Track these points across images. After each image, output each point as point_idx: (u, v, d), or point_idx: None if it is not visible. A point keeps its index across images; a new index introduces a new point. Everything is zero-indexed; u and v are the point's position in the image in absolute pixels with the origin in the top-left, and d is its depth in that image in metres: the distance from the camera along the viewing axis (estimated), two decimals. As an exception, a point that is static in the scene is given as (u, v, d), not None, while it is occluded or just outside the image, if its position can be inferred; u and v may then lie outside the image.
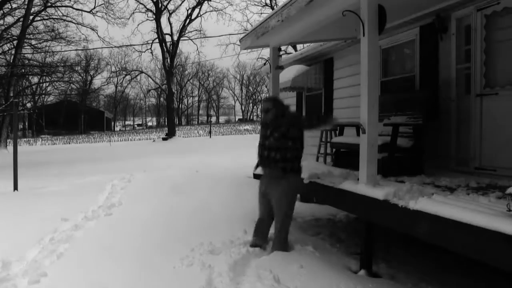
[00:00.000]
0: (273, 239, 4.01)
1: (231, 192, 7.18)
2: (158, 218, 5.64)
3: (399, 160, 4.37)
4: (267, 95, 4.28)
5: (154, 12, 31.41)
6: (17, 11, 24.08)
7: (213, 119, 74.84)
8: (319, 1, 3.94)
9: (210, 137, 32.03)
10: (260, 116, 4.19)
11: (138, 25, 49.79)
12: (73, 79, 33.48)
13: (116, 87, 62.08)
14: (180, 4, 64.14)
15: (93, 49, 52.52)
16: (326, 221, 5.50)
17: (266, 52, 34.22)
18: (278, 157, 3.88)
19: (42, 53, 27.52)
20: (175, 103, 48.32)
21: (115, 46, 33.91)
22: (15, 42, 23.45)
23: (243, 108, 75.82)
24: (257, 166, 4.26)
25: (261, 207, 4.19)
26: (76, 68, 35.31)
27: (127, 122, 78.10)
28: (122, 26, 48.43)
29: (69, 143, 35.15)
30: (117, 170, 11.70)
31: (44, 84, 37.13)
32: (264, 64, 8.42)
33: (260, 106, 4.47)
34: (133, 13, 32.42)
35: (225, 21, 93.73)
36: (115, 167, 13.01)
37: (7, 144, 23.33)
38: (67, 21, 26.57)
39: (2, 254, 3.93)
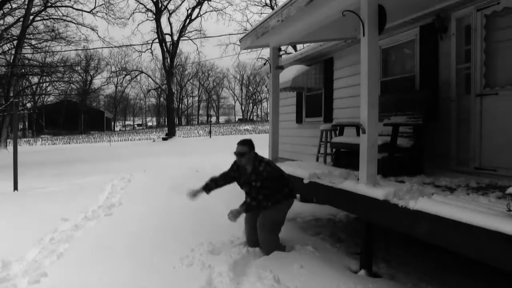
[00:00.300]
0: (262, 250, 4.05)
1: (231, 192, 7.17)
2: (158, 218, 5.64)
3: (399, 160, 4.37)
4: (243, 138, 4.31)
5: (154, 12, 31.42)
6: (17, 11, 24.11)
7: (213, 119, 74.91)
8: (319, 1, 3.94)
9: (210, 137, 32.03)
10: (238, 155, 4.19)
11: (138, 25, 49.92)
12: (73, 79, 33.44)
13: (116, 87, 62.19)
14: (180, 4, 64.40)
15: (93, 49, 52.63)
16: (326, 221, 5.50)
17: (266, 52, 34.22)
18: (265, 204, 3.98)
19: (42, 53, 27.55)
20: (175, 103, 48.32)
21: (115, 46, 33.98)
22: (15, 42, 23.45)
23: (243, 108, 75.82)
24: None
25: (249, 228, 4.22)
26: (76, 68, 35.31)
27: (127, 122, 78.16)
28: (122, 26, 48.55)
29: (69, 143, 35.16)
30: (117, 170, 11.71)
31: (44, 84, 37.18)
32: (264, 64, 8.43)
33: (236, 148, 4.18)
34: (133, 13, 32.50)
35: (225, 21, 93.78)
36: (115, 167, 13.01)
37: (7, 144, 23.33)
38: (67, 21, 26.61)
39: (2, 254, 3.93)
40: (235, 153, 4.08)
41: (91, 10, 27.28)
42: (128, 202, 6.73)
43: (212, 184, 4.34)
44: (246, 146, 4.07)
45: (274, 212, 4.06)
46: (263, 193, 3.95)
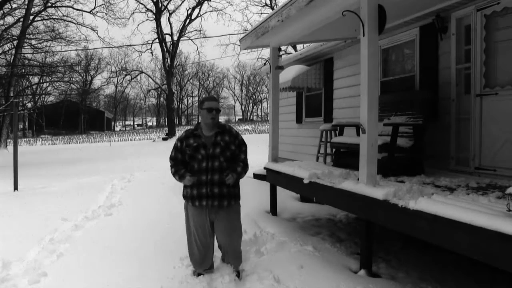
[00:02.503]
0: (234, 258, 3.53)
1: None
2: (158, 218, 5.64)
3: (399, 160, 4.37)
4: (210, 94, 3.07)
5: (154, 12, 31.44)
6: (17, 11, 24.11)
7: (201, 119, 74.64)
8: (319, 1, 3.94)
9: (210, 137, 31.90)
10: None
11: (138, 25, 49.79)
12: (73, 79, 33.52)
13: (116, 87, 62.23)
14: (180, 4, 64.41)
15: (93, 49, 52.75)
16: (326, 221, 5.50)
17: (266, 52, 34.24)
18: (233, 191, 3.38)
19: (42, 53, 27.53)
20: (175, 103, 48.31)
21: (115, 46, 34.09)
22: (15, 42, 23.44)
23: (243, 108, 75.82)
24: (195, 198, 3.32)
25: (204, 242, 3.43)
26: (76, 68, 35.37)
27: (127, 122, 78.16)
28: (122, 26, 48.66)
29: (69, 143, 35.15)
30: (117, 170, 11.72)
31: (44, 84, 37.18)
32: (264, 64, 8.43)
33: (202, 104, 3.37)
34: (133, 13, 32.58)
35: (225, 21, 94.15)
36: (115, 167, 13.02)
37: (7, 144, 23.34)
38: (67, 21, 26.64)
39: (2, 254, 3.93)
40: (210, 108, 3.29)
41: (91, 10, 27.32)
42: (128, 202, 6.73)
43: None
44: (218, 102, 3.42)
45: (239, 211, 3.56)
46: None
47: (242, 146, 3.46)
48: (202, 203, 3.30)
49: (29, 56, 25.23)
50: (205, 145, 3.32)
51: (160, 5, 31.35)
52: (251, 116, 75.53)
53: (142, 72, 42.39)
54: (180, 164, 3.41)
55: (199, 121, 3.51)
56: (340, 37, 6.29)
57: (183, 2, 65.22)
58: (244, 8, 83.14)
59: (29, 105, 38.97)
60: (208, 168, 3.29)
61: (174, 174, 3.41)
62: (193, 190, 3.33)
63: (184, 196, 3.45)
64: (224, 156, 3.31)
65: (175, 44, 32.14)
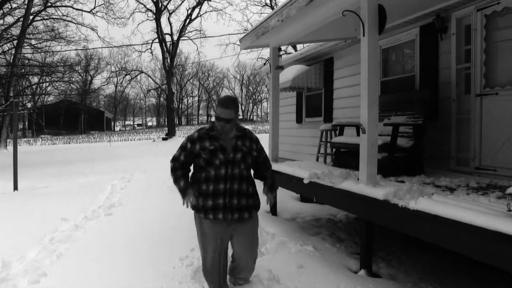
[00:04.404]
0: (247, 273, 3.16)
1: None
2: (158, 218, 5.64)
3: (399, 160, 4.37)
4: (227, 97, 2.68)
5: (154, 12, 31.40)
6: (17, 11, 24.10)
7: (213, 119, 74.65)
8: (319, 1, 3.94)
9: (210, 137, 31.86)
10: (225, 117, 2.81)
11: (138, 25, 49.66)
12: (73, 79, 33.49)
13: (116, 87, 62.20)
14: (180, 4, 64.42)
15: (93, 49, 52.79)
16: (326, 221, 5.49)
17: (266, 52, 34.22)
18: (251, 191, 2.96)
19: (42, 53, 27.53)
20: (175, 103, 48.24)
21: (115, 46, 33.94)
22: (15, 42, 23.43)
23: (243, 108, 75.78)
24: (209, 210, 2.86)
25: (217, 257, 2.95)
26: (76, 68, 35.37)
27: (127, 122, 78.19)
28: (122, 26, 48.60)
29: (69, 143, 35.15)
30: (117, 170, 11.72)
31: (44, 84, 37.13)
32: (264, 64, 8.43)
33: (216, 106, 3.06)
34: (133, 13, 32.53)
35: (225, 21, 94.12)
36: (115, 167, 13.01)
37: (7, 144, 23.34)
38: (67, 21, 26.62)
39: (2, 254, 3.93)
40: (218, 117, 2.86)
41: (91, 10, 27.30)
42: (128, 202, 6.73)
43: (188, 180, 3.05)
44: (233, 111, 2.86)
45: (258, 222, 3.15)
46: (250, 179, 2.99)
47: (263, 152, 3.12)
48: (218, 216, 2.82)
49: (29, 56, 25.24)
50: (224, 149, 2.86)
51: (160, 5, 31.31)
52: (251, 116, 75.57)
53: (142, 72, 42.34)
54: (183, 169, 2.99)
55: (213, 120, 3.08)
56: (340, 37, 6.29)
57: (183, 2, 65.27)
58: (244, 8, 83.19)
59: (29, 105, 38.91)
60: (227, 176, 2.83)
61: (174, 182, 2.97)
62: (207, 201, 2.85)
63: (195, 207, 2.93)
64: (245, 163, 2.90)
65: (175, 44, 32.11)
